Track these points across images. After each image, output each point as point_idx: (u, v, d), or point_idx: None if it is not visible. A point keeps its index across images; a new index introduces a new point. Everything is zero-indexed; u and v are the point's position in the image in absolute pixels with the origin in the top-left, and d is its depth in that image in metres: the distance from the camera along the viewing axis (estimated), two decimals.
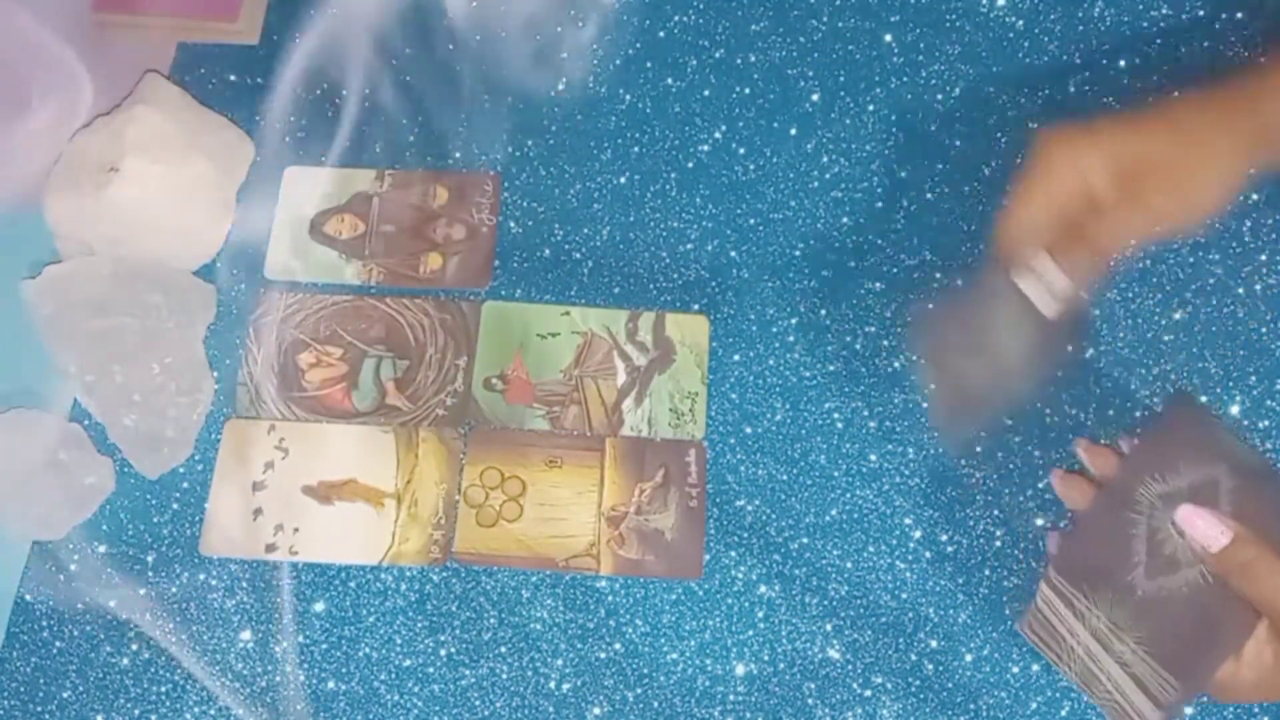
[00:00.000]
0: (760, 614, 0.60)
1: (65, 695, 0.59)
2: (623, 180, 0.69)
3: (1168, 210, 0.56)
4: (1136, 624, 0.50)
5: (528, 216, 0.69)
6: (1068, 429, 0.63)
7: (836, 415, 0.64)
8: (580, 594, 0.61)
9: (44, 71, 0.69)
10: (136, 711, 0.58)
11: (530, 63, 0.72)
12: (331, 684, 0.59)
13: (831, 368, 0.65)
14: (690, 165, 0.70)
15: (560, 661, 0.59)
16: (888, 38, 0.73)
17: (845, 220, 0.68)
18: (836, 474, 0.63)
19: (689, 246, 0.68)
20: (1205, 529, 0.50)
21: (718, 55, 0.73)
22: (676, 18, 0.74)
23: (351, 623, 0.60)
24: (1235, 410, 0.63)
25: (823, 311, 0.66)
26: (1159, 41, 0.73)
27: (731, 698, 0.59)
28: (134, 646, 0.60)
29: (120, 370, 0.61)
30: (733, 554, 0.61)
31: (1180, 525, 0.50)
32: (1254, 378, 0.64)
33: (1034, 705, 0.58)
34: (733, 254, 0.68)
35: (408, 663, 0.59)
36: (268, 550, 0.61)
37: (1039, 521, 0.61)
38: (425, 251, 0.67)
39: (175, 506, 0.62)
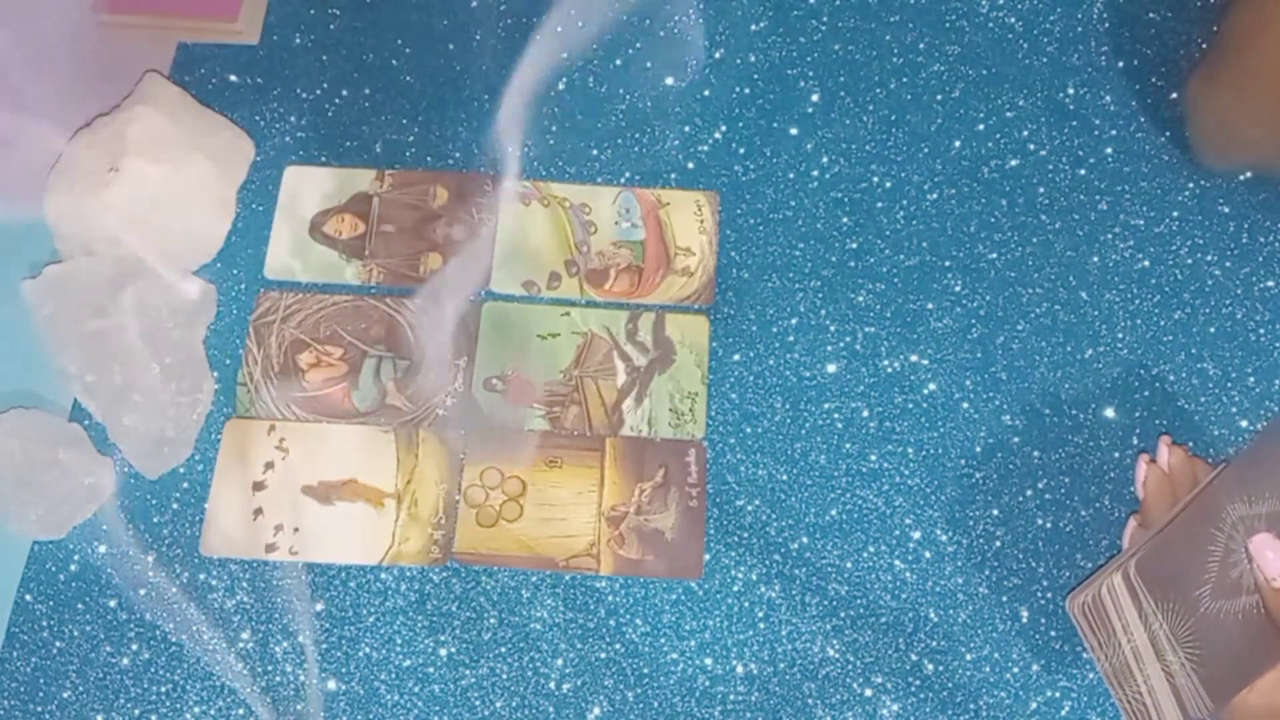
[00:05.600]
0: (760, 614, 0.60)
1: (65, 695, 0.59)
2: (622, 180, 0.70)
3: None
4: (1194, 640, 0.50)
5: None
6: (1066, 429, 0.63)
7: (836, 415, 0.64)
8: (580, 594, 0.61)
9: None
10: (136, 711, 0.58)
11: (530, 62, 0.72)
12: (331, 684, 0.59)
13: (831, 368, 0.65)
14: (690, 165, 0.70)
15: (560, 661, 0.59)
16: (887, 38, 0.73)
17: (845, 220, 0.68)
18: (836, 474, 0.63)
19: None
20: (1274, 561, 0.48)
21: (717, 55, 0.73)
22: (676, 17, 0.74)
23: (351, 623, 0.60)
24: (1233, 410, 0.64)
25: (823, 311, 0.66)
26: (1157, 43, 0.73)
27: (731, 698, 0.59)
28: (134, 646, 0.60)
29: (120, 370, 0.61)
30: (733, 554, 0.61)
31: (1251, 551, 0.48)
32: (1253, 378, 0.64)
33: (1034, 705, 0.58)
34: (733, 254, 0.68)
35: (408, 663, 0.59)
36: (268, 550, 0.61)
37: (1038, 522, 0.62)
38: (425, 251, 0.67)
39: (175, 506, 0.62)
